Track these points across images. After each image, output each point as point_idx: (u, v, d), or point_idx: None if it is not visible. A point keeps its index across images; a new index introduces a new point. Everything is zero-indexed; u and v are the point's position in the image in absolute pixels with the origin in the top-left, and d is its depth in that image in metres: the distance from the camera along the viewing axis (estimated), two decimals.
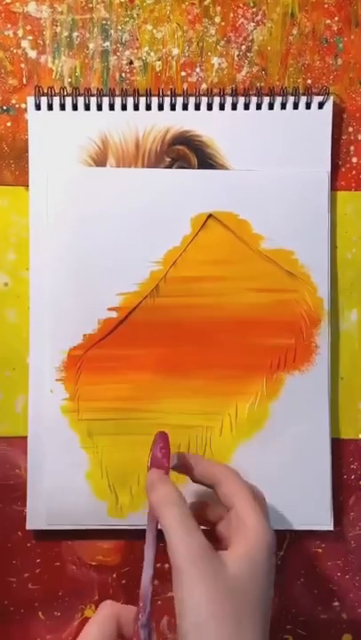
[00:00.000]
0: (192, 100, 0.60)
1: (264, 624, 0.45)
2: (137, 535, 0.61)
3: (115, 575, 0.62)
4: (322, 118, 0.60)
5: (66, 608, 0.61)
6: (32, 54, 0.61)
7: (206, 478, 0.53)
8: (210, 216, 0.60)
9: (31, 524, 0.60)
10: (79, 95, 0.59)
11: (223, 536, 0.51)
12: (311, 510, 0.61)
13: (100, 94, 0.60)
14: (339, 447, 0.62)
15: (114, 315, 0.60)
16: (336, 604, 0.63)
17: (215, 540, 0.51)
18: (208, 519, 0.54)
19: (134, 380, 0.60)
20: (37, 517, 0.60)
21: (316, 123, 0.60)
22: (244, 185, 0.60)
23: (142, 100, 0.60)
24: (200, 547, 0.45)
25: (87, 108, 0.60)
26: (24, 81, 0.61)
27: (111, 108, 0.60)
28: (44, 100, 0.59)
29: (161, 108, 0.60)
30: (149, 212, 0.60)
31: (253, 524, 0.48)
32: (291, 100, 0.60)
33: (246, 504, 0.49)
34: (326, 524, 0.61)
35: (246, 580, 0.45)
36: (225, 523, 0.52)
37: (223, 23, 0.61)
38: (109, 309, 0.60)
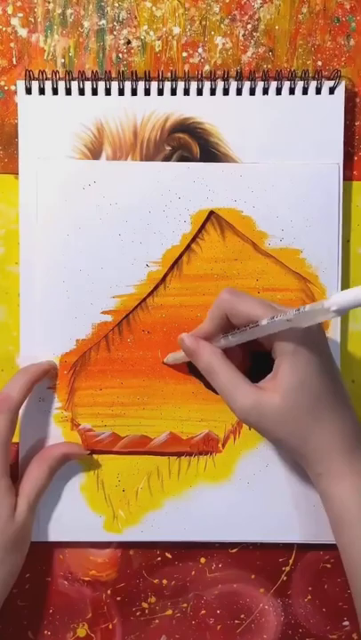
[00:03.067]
0: (194, 85, 0.60)
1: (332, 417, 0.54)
2: (132, 548, 0.62)
3: (109, 592, 0.63)
4: (333, 104, 0.60)
5: (57, 627, 0.62)
6: (22, 33, 0.61)
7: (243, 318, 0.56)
8: (211, 213, 0.60)
9: None
10: (73, 79, 0.60)
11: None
12: (320, 523, 0.61)
13: (95, 78, 0.60)
14: None
15: (108, 319, 0.61)
16: (346, 623, 0.63)
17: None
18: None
19: (131, 386, 0.61)
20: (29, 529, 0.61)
21: (326, 109, 0.60)
22: (247, 179, 0.60)
23: (141, 85, 0.60)
24: (252, 397, 0.53)
25: (81, 92, 0.60)
26: (14, 61, 0.61)
27: (107, 92, 0.60)
28: (35, 84, 0.59)
29: (161, 93, 0.60)
30: (146, 209, 0.60)
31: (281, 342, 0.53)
32: (300, 84, 0.60)
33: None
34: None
35: (297, 399, 0.53)
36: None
37: (228, 0, 0.61)
38: (103, 313, 0.61)
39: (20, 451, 0.61)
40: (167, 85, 0.60)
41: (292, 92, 0.60)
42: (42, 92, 0.60)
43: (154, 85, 0.60)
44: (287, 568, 0.63)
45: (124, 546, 0.62)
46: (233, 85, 0.60)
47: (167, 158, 0.61)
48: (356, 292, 0.44)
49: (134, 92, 0.60)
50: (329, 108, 0.60)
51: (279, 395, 0.52)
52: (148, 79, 0.60)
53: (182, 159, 0.60)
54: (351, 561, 0.54)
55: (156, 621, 0.62)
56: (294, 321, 0.49)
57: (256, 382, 0.54)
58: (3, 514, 0.56)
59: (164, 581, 0.62)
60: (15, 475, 0.60)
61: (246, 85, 0.60)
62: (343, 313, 0.45)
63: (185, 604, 0.63)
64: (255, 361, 0.57)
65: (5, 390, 0.58)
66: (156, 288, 0.61)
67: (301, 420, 0.53)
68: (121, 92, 0.60)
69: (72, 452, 0.60)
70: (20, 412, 0.60)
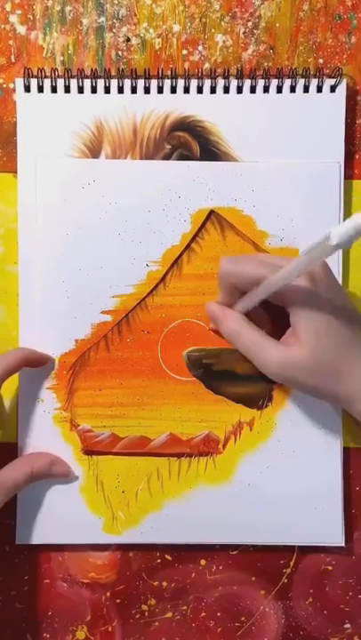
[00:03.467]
0: (194, 83, 0.60)
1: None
2: (132, 550, 0.61)
3: (108, 594, 0.63)
4: (334, 102, 0.60)
5: (56, 629, 0.62)
6: (21, 30, 0.61)
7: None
8: (211, 212, 0.61)
9: (20, 539, 0.61)
10: (72, 77, 0.60)
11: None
12: (321, 525, 0.62)
13: (94, 76, 0.60)
14: (351, 457, 0.63)
15: (108, 318, 0.61)
16: (347, 625, 0.63)
17: None
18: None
19: (131, 387, 0.61)
20: (27, 532, 0.61)
21: (328, 107, 0.60)
22: (247, 178, 0.60)
23: (140, 83, 0.60)
24: (279, 355, 0.55)
25: (80, 90, 0.60)
26: (12, 59, 0.61)
27: (107, 90, 0.60)
28: (33, 82, 0.59)
29: (160, 91, 0.60)
30: (146, 208, 0.60)
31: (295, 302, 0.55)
32: (301, 82, 0.60)
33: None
34: (337, 539, 0.62)
35: (322, 347, 0.54)
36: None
37: None
38: (103, 312, 0.61)
39: (19, 451, 0.61)
40: (167, 83, 0.60)
41: (293, 90, 0.60)
42: (40, 89, 0.60)
43: (154, 83, 0.60)
44: (288, 570, 0.63)
45: (124, 548, 0.62)
46: (233, 83, 0.60)
47: (167, 157, 0.60)
48: (355, 221, 0.43)
49: (134, 90, 0.60)
50: (330, 106, 0.60)
51: (303, 346, 0.54)
52: (147, 77, 0.60)
53: (182, 158, 0.60)
54: None
55: (156, 624, 0.62)
56: (298, 267, 0.50)
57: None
58: None
59: (164, 583, 0.62)
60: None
61: (247, 83, 0.60)
62: (345, 245, 0.44)
63: (185, 607, 0.63)
64: (280, 322, 0.58)
65: None
66: (155, 288, 0.61)
67: (330, 365, 0.54)
68: (120, 90, 0.60)
69: (59, 472, 0.61)
70: (19, 411, 0.61)
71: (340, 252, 0.60)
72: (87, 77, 0.60)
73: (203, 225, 0.60)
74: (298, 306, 0.54)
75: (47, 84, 0.59)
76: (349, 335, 0.54)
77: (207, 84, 0.60)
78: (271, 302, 0.56)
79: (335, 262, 0.60)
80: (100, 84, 0.60)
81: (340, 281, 0.60)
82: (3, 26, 0.61)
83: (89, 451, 0.61)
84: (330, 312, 0.54)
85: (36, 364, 0.60)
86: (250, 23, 0.61)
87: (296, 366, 0.54)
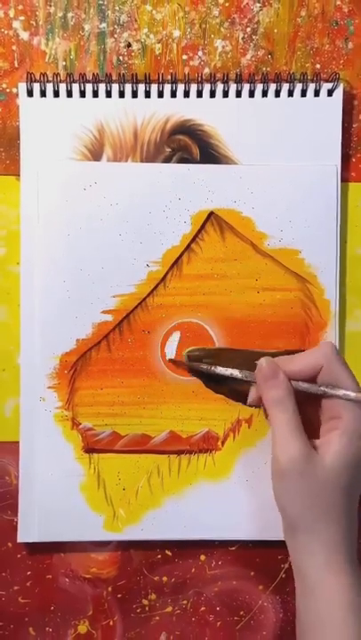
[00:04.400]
0: (194, 87, 0.61)
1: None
2: (133, 546, 0.63)
3: (110, 589, 0.63)
4: (331, 106, 0.61)
5: (58, 624, 0.63)
6: (24, 36, 0.62)
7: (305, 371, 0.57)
8: (211, 213, 0.61)
9: (23, 537, 0.62)
10: (74, 81, 0.61)
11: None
12: None
13: (96, 80, 0.61)
14: None
15: (109, 318, 0.61)
16: None
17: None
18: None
19: (131, 386, 0.62)
20: (29, 530, 0.62)
21: (325, 111, 0.61)
22: (246, 180, 0.61)
23: (141, 87, 0.61)
24: (301, 449, 0.53)
25: (82, 94, 0.61)
26: (15, 64, 0.62)
27: (108, 95, 0.61)
28: (36, 87, 0.60)
29: (161, 95, 0.61)
30: (147, 209, 0.61)
31: (348, 417, 0.54)
32: (298, 87, 0.61)
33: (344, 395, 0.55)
34: None
35: (341, 473, 0.53)
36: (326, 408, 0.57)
37: (227, 4, 0.62)
38: (104, 312, 0.61)
39: (21, 450, 0.62)
40: (167, 88, 0.61)
41: (290, 94, 0.61)
42: (43, 94, 0.60)
43: (154, 88, 0.61)
44: (286, 565, 0.64)
45: (125, 544, 0.63)
46: (232, 88, 0.61)
47: (167, 160, 0.61)
48: None
49: (135, 95, 0.61)
50: (327, 110, 0.61)
51: (324, 465, 0.53)
52: (148, 82, 0.61)
53: (182, 161, 0.61)
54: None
55: (157, 618, 0.63)
56: None
57: None
58: None
59: (165, 579, 0.63)
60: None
61: (246, 88, 0.61)
62: None
63: (185, 601, 0.64)
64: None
65: None
66: (156, 288, 0.62)
67: (327, 501, 0.53)
68: (121, 95, 0.61)
69: None
70: (21, 410, 0.61)
71: (339, 242, 0.62)
72: (89, 82, 0.60)
73: (202, 226, 0.61)
74: (347, 427, 0.54)
75: (49, 88, 0.60)
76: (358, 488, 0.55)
77: (207, 88, 0.61)
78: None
79: (333, 259, 0.62)
80: (102, 88, 0.61)
81: (338, 282, 0.62)
82: (6, 31, 0.62)
83: (90, 449, 0.62)
84: None
85: None
86: (249, 29, 0.62)
87: (305, 473, 0.53)
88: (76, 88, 0.61)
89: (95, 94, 0.61)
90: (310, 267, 0.62)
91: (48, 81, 0.60)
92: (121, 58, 0.62)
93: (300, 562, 0.54)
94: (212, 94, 0.61)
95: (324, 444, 0.54)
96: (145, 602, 0.63)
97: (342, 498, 0.53)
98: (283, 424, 0.54)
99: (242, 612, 0.64)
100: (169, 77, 0.61)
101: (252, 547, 0.64)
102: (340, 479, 0.53)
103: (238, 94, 0.61)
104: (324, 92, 0.61)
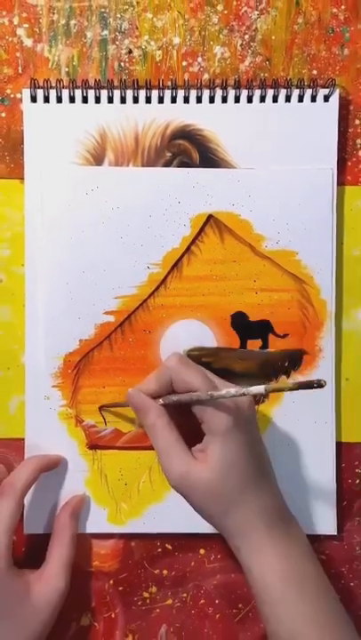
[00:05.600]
0: (193, 93, 0.62)
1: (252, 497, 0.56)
2: (134, 539, 0.64)
3: (112, 582, 0.65)
4: (328, 112, 0.62)
5: (61, 616, 0.62)
6: (28, 43, 0.63)
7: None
8: (210, 216, 0.62)
9: (28, 529, 0.63)
10: (76, 87, 0.62)
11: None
12: (315, 515, 0.64)
13: (98, 86, 0.62)
14: (343, 451, 0.65)
15: (111, 319, 0.63)
16: None
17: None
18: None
19: (133, 384, 0.61)
20: (35, 523, 0.63)
21: (321, 116, 0.62)
22: (244, 184, 0.62)
23: (142, 93, 0.62)
24: (182, 465, 0.55)
25: (85, 100, 0.62)
26: (19, 70, 0.63)
27: (110, 100, 0.62)
28: (40, 93, 0.61)
29: (161, 100, 0.62)
30: (148, 213, 0.62)
31: (209, 419, 0.56)
32: (296, 92, 0.62)
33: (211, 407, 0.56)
34: (330, 529, 0.64)
35: (223, 477, 0.55)
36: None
37: (226, 11, 0.63)
38: (106, 313, 0.63)
39: (26, 447, 0.63)
40: (167, 93, 0.62)
41: (288, 99, 0.62)
42: (46, 100, 0.62)
43: (155, 93, 0.62)
44: None
45: (127, 537, 0.64)
46: (231, 93, 0.62)
47: (168, 164, 0.62)
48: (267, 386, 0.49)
49: (136, 100, 0.62)
50: (324, 115, 0.62)
51: (208, 470, 0.55)
52: (149, 87, 0.62)
53: (182, 165, 0.62)
54: (276, 635, 0.54)
55: (157, 610, 0.64)
56: (228, 394, 0.53)
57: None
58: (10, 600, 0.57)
59: (165, 572, 0.64)
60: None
61: (244, 93, 0.62)
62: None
63: (185, 594, 0.65)
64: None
65: (12, 477, 0.60)
66: (157, 289, 0.63)
67: (226, 497, 0.55)
68: (123, 100, 0.62)
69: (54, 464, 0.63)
70: (26, 408, 0.63)
71: (334, 243, 0.63)
72: (91, 88, 0.62)
73: (202, 229, 0.62)
74: (215, 429, 0.55)
75: (53, 94, 0.61)
76: (253, 475, 0.56)
77: (206, 94, 0.62)
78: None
79: (329, 260, 0.63)
80: (104, 94, 0.62)
81: (334, 283, 0.63)
82: (10, 39, 0.63)
83: (93, 445, 0.63)
84: (244, 450, 0.55)
85: (49, 468, 0.62)
86: (247, 36, 0.63)
87: (194, 485, 0.55)
88: (78, 94, 0.62)
89: (97, 100, 0.62)
90: (307, 268, 0.63)
91: (51, 87, 0.61)
92: (122, 64, 0.63)
93: (234, 545, 0.57)
94: (212, 100, 0.62)
95: (203, 451, 0.56)
96: (146, 594, 0.64)
97: (239, 487, 0.55)
98: (161, 445, 0.57)
99: (240, 605, 0.65)
100: (169, 83, 0.62)
101: None
102: (229, 475, 0.55)
103: (237, 100, 0.62)
104: (320, 97, 0.62)
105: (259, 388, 0.51)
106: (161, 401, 0.58)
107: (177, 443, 0.56)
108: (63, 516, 0.62)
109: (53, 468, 0.62)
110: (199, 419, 0.56)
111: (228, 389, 0.53)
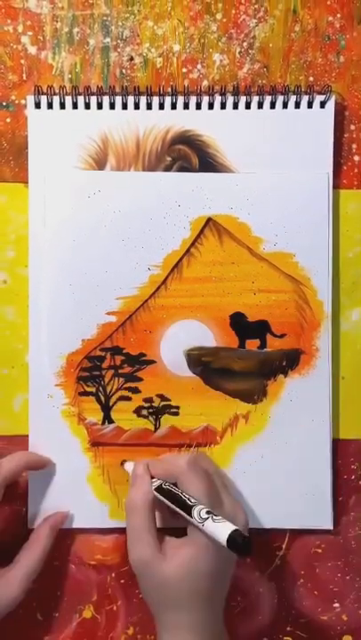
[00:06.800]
0: (193, 99, 0.63)
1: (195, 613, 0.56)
2: None
3: (113, 575, 0.65)
4: (324, 117, 0.64)
5: (64, 609, 0.65)
6: (32, 50, 0.64)
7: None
8: (209, 219, 0.63)
9: (32, 524, 0.64)
10: (79, 94, 0.63)
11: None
12: (311, 510, 0.65)
13: (100, 93, 0.63)
14: (339, 447, 0.66)
15: (113, 319, 0.64)
16: (336, 605, 0.66)
17: None
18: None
19: None
20: (39, 518, 0.64)
21: (318, 122, 0.64)
22: (243, 188, 0.63)
23: (143, 99, 0.63)
24: (145, 555, 0.56)
25: (87, 106, 0.63)
26: (24, 77, 0.64)
27: (112, 106, 0.63)
28: (43, 99, 0.63)
29: (162, 107, 0.63)
30: (148, 216, 0.63)
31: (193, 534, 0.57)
32: (293, 99, 0.63)
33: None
34: (327, 524, 0.65)
35: (180, 582, 0.56)
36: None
37: (225, 19, 0.65)
38: (108, 313, 0.64)
39: (30, 444, 0.64)
40: (168, 100, 0.63)
41: (285, 105, 0.63)
42: (50, 106, 0.63)
43: (155, 100, 0.63)
44: (281, 553, 0.66)
45: None
46: (230, 100, 0.63)
47: (168, 168, 0.64)
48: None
49: (137, 106, 0.63)
50: (320, 121, 0.64)
51: (167, 571, 0.56)
52: (149, 94, 0.63)
53: (182, 169, 0.64)
54: None
55: None
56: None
57: None
58: None
59: None
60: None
61: (242, 100, 0.63)
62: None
63: None
64: None
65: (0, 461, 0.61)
66: (157, 290, 0.64)
67: (172, 599, 0.56)
68: (124, 106, 0.63)
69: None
70: (30, 407, 0.64)
71: (330, 245, 0.64)
72: (93, 94, 0.63)
73: (201, 231, 0.63)
74: (195, 545, 0.56)
75: (56, 100, 0.63)
76: (206, 594, 0.56)
77: (205, 100, 0.63)
78: None
79: (326, 262, 0.64)
80: (106, 100, 0.63)
81: (330, 284, 0.65)
82: (15, 46, 0.64)
83: (95, 442, 0.64)
84: (208, 572, 0.56)
85: (37, 467, 0.63)
86: (245, 43, 0.65)
87: (148, 575, 0.56)
88: (81, 100, 0.63)
89: (99, 106, 0.63)
90: (304, 269, 0.64)
91: (55, 93, 0.63)
92: (124, 71, 0.64)
93: (160, 636, 0.58)
94: (211, 106, 0.63)
95: (177, 548, 0.57)
96: None
97: (188, 596, 0.56)
98: (132, 525, 0.58)
99: (239, 598, 0.66)
100: (169, 90, 0.63)
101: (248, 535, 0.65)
102: (184, 585, 0.56)
103: (235, 106, 0.63)
104: (316, 103, 0.63)
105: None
106: (154, 489, 0.59)
107: (148, 531, 0.57)
108: (43, 528, 0.62)
109: (41, 467, 0.63)
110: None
111: (222, 524, 0.54)
